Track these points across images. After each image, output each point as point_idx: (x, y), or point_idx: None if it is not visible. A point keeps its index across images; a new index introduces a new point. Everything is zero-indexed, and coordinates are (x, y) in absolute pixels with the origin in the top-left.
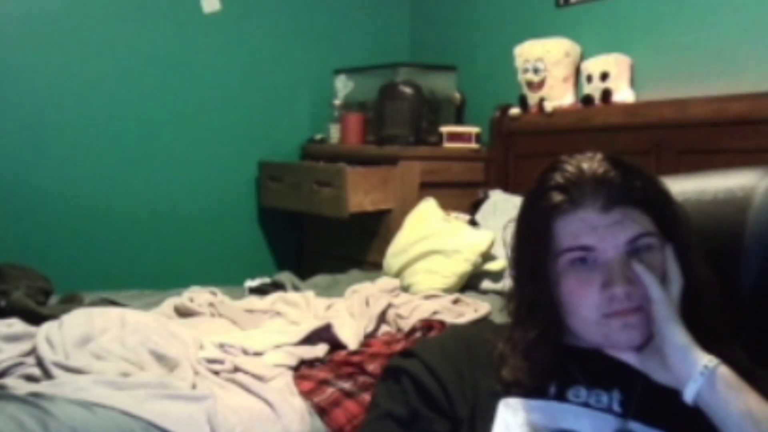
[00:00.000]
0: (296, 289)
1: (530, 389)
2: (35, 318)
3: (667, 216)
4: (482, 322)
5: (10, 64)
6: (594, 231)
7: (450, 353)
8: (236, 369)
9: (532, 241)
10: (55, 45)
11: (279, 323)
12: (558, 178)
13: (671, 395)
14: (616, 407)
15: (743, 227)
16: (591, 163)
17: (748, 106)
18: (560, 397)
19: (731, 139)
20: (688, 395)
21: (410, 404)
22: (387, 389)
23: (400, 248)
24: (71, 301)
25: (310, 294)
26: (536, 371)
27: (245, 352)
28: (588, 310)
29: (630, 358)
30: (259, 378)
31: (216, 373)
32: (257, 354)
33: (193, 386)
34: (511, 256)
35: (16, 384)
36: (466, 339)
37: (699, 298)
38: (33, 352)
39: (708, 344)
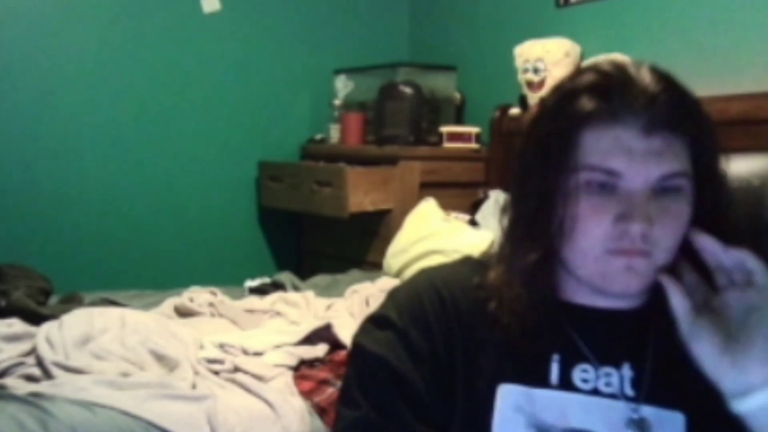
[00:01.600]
0: (296, 289)
1: (530, 366)
2: (35, 318)
3: (705, 155)
4: (460, 263)
5: (8, 63)
6: (627, 154)
7: (436, 315)
8: (236, 369)
9: (548, 148)
10: (54, 45)
11: (279, 323)
12: (598, 79)
13: (686, 369)
14: (628, 389)
15: (761, 216)
16: (638, 71)
17: (748, 106)
18: (566, 383)
19: (731, 139)
20: (752, 402)
21: (388, 408)
22: (360, 380)
23: (400, 248)
24: (71, 301)
25: (310, 294)
26: (533, 314)
27: (245, 352)
28: (592, 240)
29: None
30: (259, 378)
31: (216, 373)
32: (257, 354)
33: (193, 386)
34: (514, 170)
35: (16, 384)
36: (451, 291)
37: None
38: (33, 352)
39: None
